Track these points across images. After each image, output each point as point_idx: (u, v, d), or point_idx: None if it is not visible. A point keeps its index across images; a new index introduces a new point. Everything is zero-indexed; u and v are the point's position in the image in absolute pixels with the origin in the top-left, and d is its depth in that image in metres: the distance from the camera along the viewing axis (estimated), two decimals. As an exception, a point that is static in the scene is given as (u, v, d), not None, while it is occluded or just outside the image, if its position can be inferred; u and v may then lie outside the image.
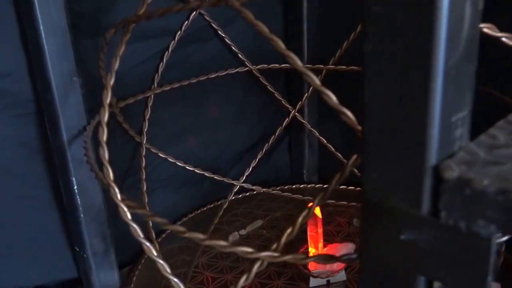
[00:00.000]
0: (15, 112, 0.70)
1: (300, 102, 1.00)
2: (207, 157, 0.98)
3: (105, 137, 0.51)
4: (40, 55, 0.64)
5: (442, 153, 0.24)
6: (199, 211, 0.98)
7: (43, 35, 0.63)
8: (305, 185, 1.07)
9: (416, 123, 0.24)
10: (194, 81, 0.90)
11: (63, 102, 0.68)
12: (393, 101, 0.24)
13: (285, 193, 1.03)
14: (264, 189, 1.02)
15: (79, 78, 0.68)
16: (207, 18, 0.89)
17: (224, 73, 0.94)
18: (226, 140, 1.00)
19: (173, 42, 0.85)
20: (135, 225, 0.43)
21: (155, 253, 0.42)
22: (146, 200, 0.84)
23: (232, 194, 0.99)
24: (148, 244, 0.42)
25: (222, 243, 0.37)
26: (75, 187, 0.71)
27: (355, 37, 0.88)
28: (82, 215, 0.73)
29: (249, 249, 0.36)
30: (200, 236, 0.38)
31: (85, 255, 0.75)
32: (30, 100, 0.70)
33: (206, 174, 0.94)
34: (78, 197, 0.72)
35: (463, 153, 0.25)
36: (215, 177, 0.96)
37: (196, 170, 0.93)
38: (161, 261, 0.42)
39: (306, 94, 0.99)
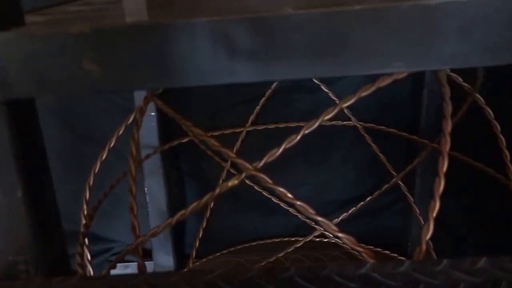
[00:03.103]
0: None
1: (404, 171, 0.94)
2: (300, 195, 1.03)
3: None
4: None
5: None
6: (277, 240, 1.06)
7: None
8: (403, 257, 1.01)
9: None
10: (292, 125, 0.97)
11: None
12: None
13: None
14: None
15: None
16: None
17: (329, 124, 0.97)
18: (324, 184, 1.03)
19: (270, 89, 0.94)
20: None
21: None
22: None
23: (312, 235, 1.03)
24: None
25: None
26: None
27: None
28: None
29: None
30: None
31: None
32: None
33: (290, 210, 1.01)
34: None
35: None
36: (299, 216, 1.01)
37: (281, 204, 1.01)
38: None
39: (416, 160, 0.93)
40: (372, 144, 0.97)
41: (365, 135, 0.96)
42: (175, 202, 0.98)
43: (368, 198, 1.00)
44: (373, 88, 0.42)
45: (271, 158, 0.45)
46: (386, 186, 0.97)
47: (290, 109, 0.98)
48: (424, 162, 0.90)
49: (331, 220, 0.99)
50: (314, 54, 0.30)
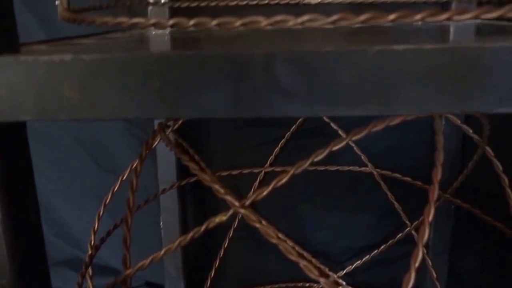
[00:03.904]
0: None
1: (417, 221, 0.94)
2: (318, 240, 1.04)
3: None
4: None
5: None
6: (291, 285, 1.05)
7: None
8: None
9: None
10: (311, 168, 0.98)
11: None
12: None
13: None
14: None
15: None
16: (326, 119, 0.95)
17: (346, 169, 0.98)
18: (341, 230, 1.03)
19: (288, 133, 0.97)
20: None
21: None
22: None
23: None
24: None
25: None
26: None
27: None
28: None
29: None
30: None
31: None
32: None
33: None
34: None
35: None
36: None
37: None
38: None
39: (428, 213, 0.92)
40: (387, 192, 0.97)
41: (381, 182, 0.97)
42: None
43: (382, 247, 0.99)
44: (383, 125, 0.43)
45: (260, 197, 0.46)
46: (399, 235, 0.97)
47: (309, 152, 0.99)
48: (436, 213, 0.89)
49: (345, 268, 0.98)
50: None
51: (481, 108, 0.32)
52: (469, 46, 0.31)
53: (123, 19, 0.36)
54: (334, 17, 0.31)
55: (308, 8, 0.88)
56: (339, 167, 0.98)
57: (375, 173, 0.97)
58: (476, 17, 0.31)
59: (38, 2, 0.89)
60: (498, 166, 0.68)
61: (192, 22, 0.33)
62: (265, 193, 0.45)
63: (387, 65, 0.31)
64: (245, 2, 0.84)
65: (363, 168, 0.98)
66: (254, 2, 0.85)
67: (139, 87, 0.32)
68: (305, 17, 0.31)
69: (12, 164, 0.33)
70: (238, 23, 0.32)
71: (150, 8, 0.80)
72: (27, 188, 0.35)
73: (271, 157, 0.99)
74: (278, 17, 0.31)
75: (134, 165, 0.70)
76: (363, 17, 0.31)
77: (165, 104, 0.33)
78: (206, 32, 0.61)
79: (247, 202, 0.44)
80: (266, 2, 0.85)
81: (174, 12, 0.82)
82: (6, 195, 0.32)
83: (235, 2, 0.84)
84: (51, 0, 0.55)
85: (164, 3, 0.79)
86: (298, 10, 0.88)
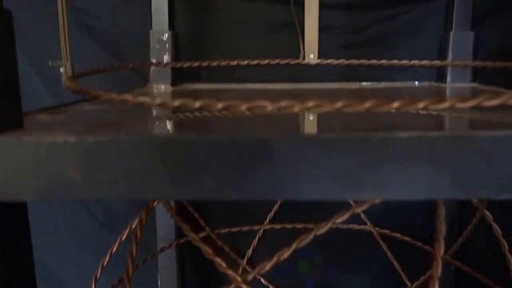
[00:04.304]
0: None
1: (417, 281, 0.93)
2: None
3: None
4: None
5: None
6: None
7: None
8: None
9: None
10: (310, 226, 0.98)
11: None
12: None
13: None
14: None
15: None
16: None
17: (346, 227, 0.98)
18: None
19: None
20: None
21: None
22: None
23: None
24: None
25: None
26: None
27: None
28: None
29: None
30: None
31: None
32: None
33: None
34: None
35: None
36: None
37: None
38: None
39: (428, 272, 0.91)
40: (387, 251, 0.96)
41: (381, 241, 0.96)
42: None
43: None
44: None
45: (262, 271, 0.46)
46: (399, 294, 0.95)
47: (309, 211, 0.99)
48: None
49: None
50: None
51: (484, 194, 0.32)
52: (471, 135, 0.31)
53: (128, 97, 0.37)
54: (339, 104, 0.31)
55: (308, 68, 0.89)
56: (339, 225, 0.97)
57: (374, 232, 0.96)
58: (476, 105, 0.32)
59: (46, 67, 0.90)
60: (498, 230, 0.68)
61: (197, 104, 0.33)
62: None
63: (390, 151, 0.31)
64: (245, 62, 0.86)
65: (362, 226, 0.97)
66: (255, 62, 0.86)
67: (143, 169, 0.32)
68: (310, 103, 0.31)
69: (12, 243, 0.32)
70: (243, 107, 0.32)
71: (152, 68, 0.81)
72: (26, 265, 0.34)
73: (270, 214, 0.98)
74: (284, 103, 0.32)
75: (134, 226, 0.69)
76: (367, 104, 0.31)
77: (170, 186, 0.33)
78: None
79: (249, 277, 0.43)
80: (266, 62, 0.86)
81: (176, 72, 0.83)
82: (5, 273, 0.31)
83: (235, 62, 0.86)
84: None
85: (166, 63, 0.81)
86: (298, 69, 0.90)
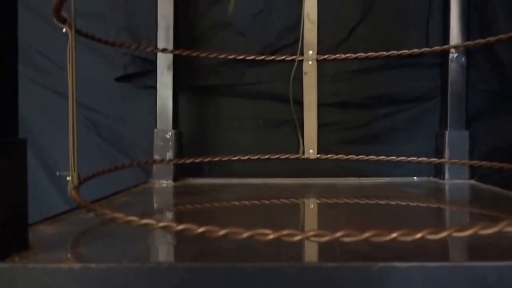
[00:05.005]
0: None
1: None
2: None
3: None
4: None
5: None
6: None
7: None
8: None
9: None
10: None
11: None
12: None
13: None
14: None
15: None
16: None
17: None
18: None
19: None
20: None
21: None
22: None
23: None
24: None
25: None
26: None
27: None
28: None
29: None
30: None
31: None
32: None
33: None
34: None
35: None
36: None
37: None
38: None
39: None
40: None
41: None
42: None
43: None
44: None
45: None
46: None
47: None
48: None
49: None
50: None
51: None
52: (472, 265, 0.32)
53: (133, 218, 0.38)
54: (339, 234, 0.32)
55: (307, 163, 0.91)
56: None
57: None
58: (474, 233, 0.32)
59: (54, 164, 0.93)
60: None
61: (200, 230, 0.34)
62: None
63: (390, 280, 0.32)
64: (247, 157, 0.88)
65: None
66: (256, 157, 0.88)
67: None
68: (311, 233, 0.32)
69: None
70: (245, 235, 0.33)
71: (155, 166, 0.82)
72: None
73: None
74: (285, 232, 0.32)
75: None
76: (367, 234, 0.32)
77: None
78: (208, 199, 0.63)
79: None
80: (267, 157, 0.88)
81: (178, 167, 0.85)
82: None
83: (237, 157, 0.87)
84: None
85: (169, 160, 0.82)
86: (297, 164, 0.91)
